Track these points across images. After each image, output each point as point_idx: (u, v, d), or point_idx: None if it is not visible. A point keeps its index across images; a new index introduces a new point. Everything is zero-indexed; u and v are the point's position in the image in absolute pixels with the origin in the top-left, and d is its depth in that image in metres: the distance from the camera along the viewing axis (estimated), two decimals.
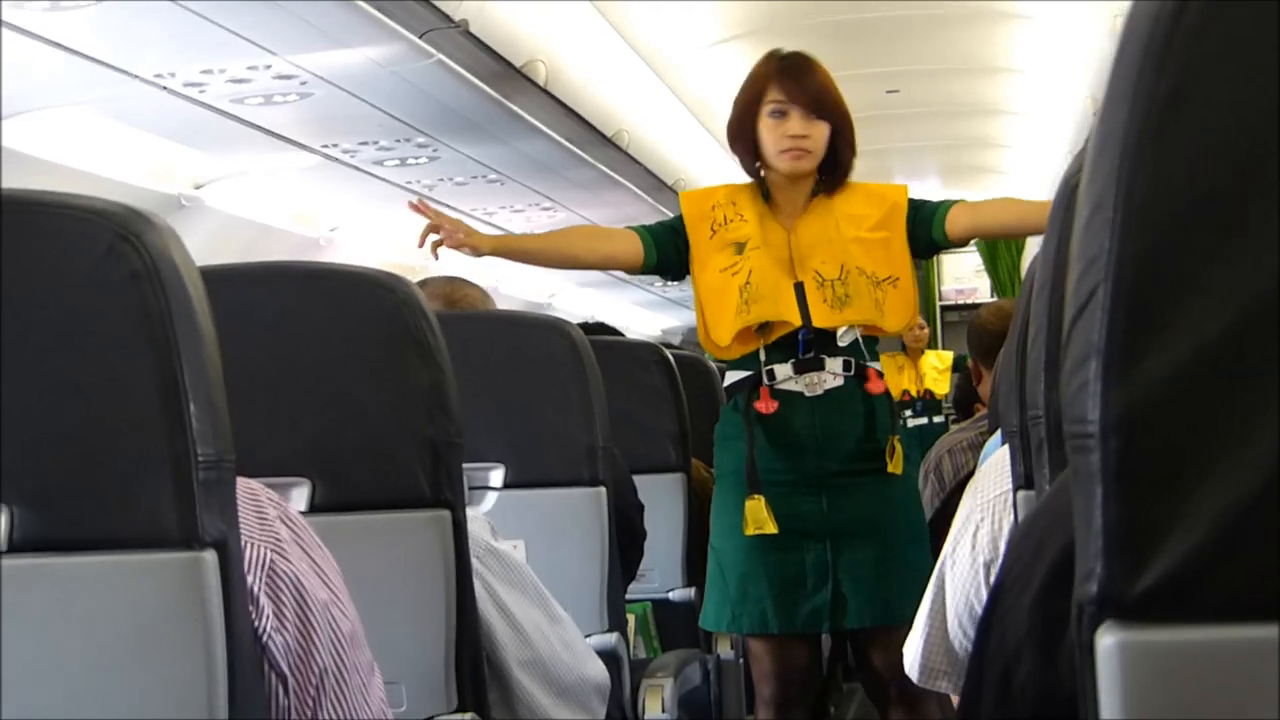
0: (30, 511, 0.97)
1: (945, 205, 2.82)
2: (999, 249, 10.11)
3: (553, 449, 2.39)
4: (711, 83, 5.34)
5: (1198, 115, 0.67)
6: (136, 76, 3.36)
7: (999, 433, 1.85)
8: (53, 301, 0.98)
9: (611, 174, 5.48)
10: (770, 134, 2.78)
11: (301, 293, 1.61)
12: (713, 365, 3.60)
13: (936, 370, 7.66)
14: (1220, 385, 0.67)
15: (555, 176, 5.31)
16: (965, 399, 4.96)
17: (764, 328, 2.76)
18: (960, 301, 11.41)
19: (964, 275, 11.30)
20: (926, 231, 2.81)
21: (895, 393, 7.61)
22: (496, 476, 2.30)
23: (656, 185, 5.97)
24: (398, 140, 4.38)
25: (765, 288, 2.74)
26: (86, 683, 0.97)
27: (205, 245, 4.29)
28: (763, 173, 2.86)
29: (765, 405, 2.74)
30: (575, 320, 2.68)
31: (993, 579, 1.67)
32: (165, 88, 3.48)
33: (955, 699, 1.84)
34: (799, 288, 2.76)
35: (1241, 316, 0.67)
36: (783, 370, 2.76)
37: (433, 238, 2.72)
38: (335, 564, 1.18)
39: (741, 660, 3.03)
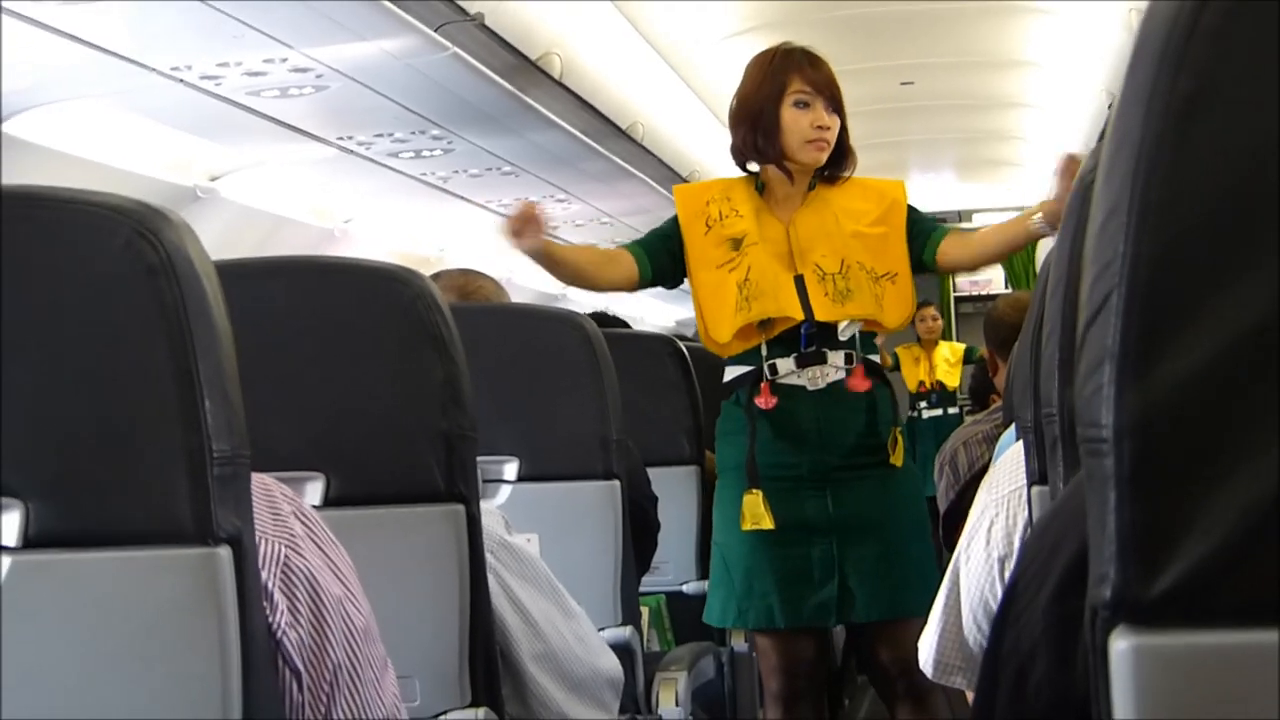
0: (45, 507, 0.97)
1: (940, 232, 2.83)
2: None
3: (566, 442, 2.39)
4: (726, 76, 5.29)
5: (1216, 118, 0.66)
6: (153, 69, 3.36)
7: (1014, 426, 1.85)
8: (69, 297, 0.98)
9: (626, 166, 5.47)
10: (796, 124, 2.77)
11: (316, 287, 1.61)
12: None
13: (948, 363, 7.65)
14: (1234, 390, 0.67)
15: (570, 169, 5.30)
16: (981, 390, 4.95)
17: (765, 323, 2.75)
18: (975, 293, 11.40)
19: None
20: (918, 251, 2.82)
21: (911, 384, 7.60)
22: (510, 470, 2.30)
23: (671, 177, 5.95)
24: (413, 132, 4.38)
25: (765, 284, 2.74)
26: (101, 678, 0.97)
27: (221, 236, 4.31)
28: (757, 166, 2.85)
29: (765, 400, 2.74)
30: (586, 311, 2.67)
31: (1007, 575, 1.67)
32: (182, 80, 3.48)
33: (970, 695, 1.84)
34: (799, 280, 2.75)
35: (1257, 323, 0.66)
36: (785, 364, 2.76)
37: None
38: (349, 559, 1.18)
39: (755, 654, 3.03)
